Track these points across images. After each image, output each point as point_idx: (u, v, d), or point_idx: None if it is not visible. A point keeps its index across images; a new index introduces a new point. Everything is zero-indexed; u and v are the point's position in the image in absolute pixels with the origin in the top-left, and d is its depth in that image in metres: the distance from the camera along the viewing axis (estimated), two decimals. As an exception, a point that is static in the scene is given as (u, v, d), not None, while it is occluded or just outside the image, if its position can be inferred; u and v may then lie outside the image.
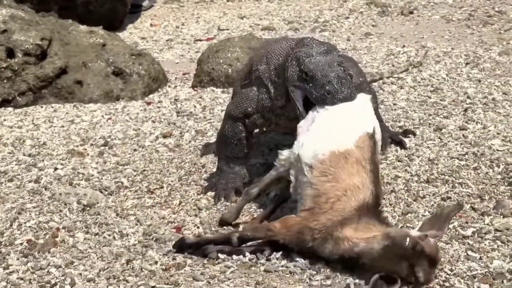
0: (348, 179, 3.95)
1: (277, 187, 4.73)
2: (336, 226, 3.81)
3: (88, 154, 5.80)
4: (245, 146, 5.01)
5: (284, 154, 4.34)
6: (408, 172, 5.10)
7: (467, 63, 7.61)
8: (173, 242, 4.31)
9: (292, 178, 4.24)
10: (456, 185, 4.88)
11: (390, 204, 4.69)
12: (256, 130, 5.24)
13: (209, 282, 3.84)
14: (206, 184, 5.11)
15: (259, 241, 4.12)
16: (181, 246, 4.18)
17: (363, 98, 4.41)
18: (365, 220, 3.81)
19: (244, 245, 4.12)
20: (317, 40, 4.72)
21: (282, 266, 3.97)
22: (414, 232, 3.66)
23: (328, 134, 4.17)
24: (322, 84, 4.30)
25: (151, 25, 10.44)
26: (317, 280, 3.85)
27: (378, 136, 4.31)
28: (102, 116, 6.69)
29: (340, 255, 3.82)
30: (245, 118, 4.94)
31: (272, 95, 4.80)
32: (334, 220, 3.83)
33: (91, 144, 6.00)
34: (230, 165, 5.05)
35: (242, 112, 4.93)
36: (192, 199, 4.95)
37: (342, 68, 4.37)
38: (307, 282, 3.85)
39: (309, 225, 3.90)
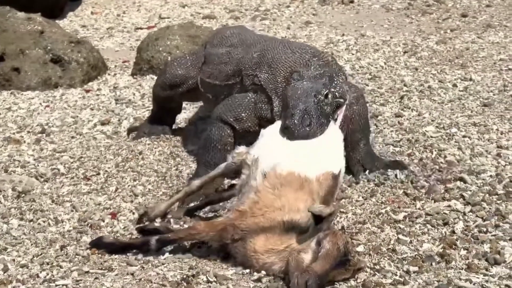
0: (292, 201, 3.86)
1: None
2: (254, 232, 3.77)
3: (24, 142, 5.77)
4: (228, 153, 4.70)
5: (240, 149, 4.34)
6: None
7: (405, 52, 7.71)
8: (108, 228, 4.33)
9: (243, 176, 4.21)
10: (389, 171, 4.94)
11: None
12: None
13: (143, 267, 3.85)
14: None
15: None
16: (98, 244, 4.12)
17: (337, 136, 4.35)
18: (283, 232, 3.72)
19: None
20: (325, 57, 4.74)
21: (212, 253, 3.99)
22: (307, 259, 3.56)
23: (295, 155, 4.10)
24: (287, 115, 4.28)
25: (92, 13, 10.38)
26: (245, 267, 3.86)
27: (341, 179, 4.25)
28: (40, 103, 6.66)
29: (250, 266, 3.79)
30: (235, 122, 4.83)
31: (274, 107, 4.70)
32: (259, 225, 3.78)
33: (28, 132, 5.97)
34: (208, 172, 4.69)
35: (234, 116, 4.83)
36: (129, 185, 4.95)
37: (317, 100, 4.32)
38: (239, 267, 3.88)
39: (234, 223, 3.85)
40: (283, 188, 3.91)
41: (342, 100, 4.48)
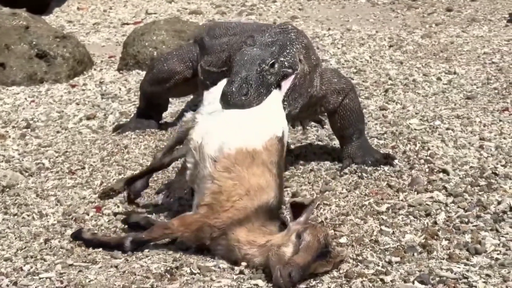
0: (252, 180, 3.88)
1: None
2: (234, 225, 3.79)
3: (9, 136, 5.78)
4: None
5: (188, 116, 4.35)
6: (327, 153, 5.19)
7: (390, 46, 7.74)
8: (93, 221, 4.35)
9: (189, 165, 4.14)
10: (380, 167, 4.96)
11: (309, 183, 4.76)
12: None
13: (127, 260, 3.86)
14: None
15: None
16: (77, 237, 4.11)
17: (275, 98, 4.32)
18: (262, 222, 3.78)
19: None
20: (285, 26, 4.65)
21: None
22: (288, 252, 3.59)
23: (237, 130, 4.07)
24: (228, 81, 4.24)
25: (78, 8, 10.36)
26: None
27: (286, 139, 4.26)
28: (25, 98, 6.66)
29: (232, 259, 3.82)
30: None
31: None
32: (234, 219, 3.79)
33: (13, 127, 5.98)
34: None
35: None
36: (114, 179, 4.95)
37: (260, 68, 4.26)
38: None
39: (209, 223, 3.85)
40: (237, 168, 3.91)
41: (290, 70, 4.41)
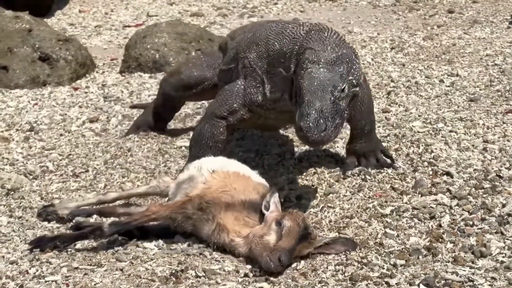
0: (243, 186, 4.07)
1: None
2: (220, 208, 3.93)
3: (13, 139, 5.78)
4: (219, 150, 4.70)
5: (166, 179, 4.56)
6: (331, 156, 5.20)
7: (392, 48, 7.75)
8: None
9: (184, 176, 4.36)
10: (384, 169, 4.98)
11: (313, 185, 4.76)
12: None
13: (132, 263, 3.86)
14: None
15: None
16: (40, 244, 4.03)
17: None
18: (247, 214, 3.94)
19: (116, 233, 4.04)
20: (327, 30, 4.35)
21: (200, 248, 4.01)
22: (272, 239, 3.75)
23: (237, 163, 4.37)
24: (303, 114, 3.98)
25: (79, 11, 10.37)
26: (232, 262, 3.90)
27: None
28: (28, 101, 6.67)
29: (218, 243, 3.95)
30: (229, 115, 4.62)
31: (266, 87, 4.52)
32: (221, 201, 3.95)
33: (17, 130, 5.98)
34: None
35: (227, 110, 4.61)
36: (117, 182, 4.97)
37: (333, 97, 4.01)
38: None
39: (199, 196, 4.00)
40: (230, 179, 4.12)
41: (357, 88, 4.21)
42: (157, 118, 5.78)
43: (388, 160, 4.94)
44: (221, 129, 4.67)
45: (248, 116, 4.66)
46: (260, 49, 4.60)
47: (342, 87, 4.07)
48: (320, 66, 4.13)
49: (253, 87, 4.59)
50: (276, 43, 4.50)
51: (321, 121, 3.93)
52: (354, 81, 4.15)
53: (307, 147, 5.27)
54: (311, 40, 4.30)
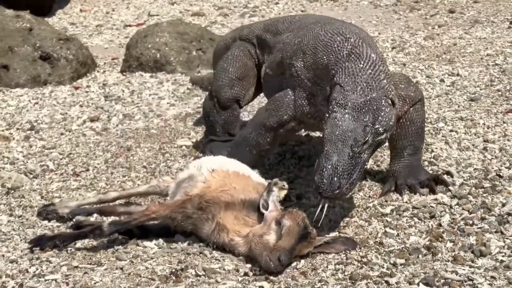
0: (243, 185, 4.07)
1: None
2: (220, 208, 3.94)
3: (13, 138, 5.79)
4: (261, 160, 4.61)
5: (166, 178, 4.59)
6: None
7: (393, 48, 7.75)
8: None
9: (184, 174, 4.35)
10: (375, 166, 4.99)
11: (308, 185, 4.74)
12: None
13: (132, 262, 3.86)
14: None
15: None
16: (39, 243, 4.02)
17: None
18: (246, 213, 3.94)
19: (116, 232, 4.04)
20: (365, 58, 4.15)
21: (200, 247, 4.01)
22: (272, 239, 3.75)
23: (238, 163, 4.35)
24: (319, 165, 3.90)
25: (80, 10, 10.38)
26: (232, 261, 3.91)
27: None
28: (29, 100, 6.67)
29: (218, 243, 3.96)
30: (279, 127, 4.49)
31: (316, 99, 4.34)
32: (220, 200, 3.96)
33: (17, 129, 5.99)
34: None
35: (277, 122, 4.47)
36: (118, 181, 4.97)
37: (352, 153, 3.88)
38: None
39: (198, 195, 4.00)
40: (230, 179, 4.12)
41: (384, 135, 4.04)
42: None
43: (426, 190, 4.56)
44: (268, 139, 4.55)
45: (299, 127, 4.58)
46: (307, 59, 4.42)
47: (365, 140, 3.93)
48: (346, 112, 3.98)
49: (304, 99, 4.42)
50: (324, 57, 4.30)
51: (335, 179, 3.84)
52: (380, 129, 3.99)
53: (307, 146, 5.28)
54: (345, 71, 4.13)
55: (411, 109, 4.53)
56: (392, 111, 4.07)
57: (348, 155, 3.88)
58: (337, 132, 3.93)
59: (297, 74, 4.44)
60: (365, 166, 4.04)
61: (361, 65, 4.12)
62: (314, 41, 4.42)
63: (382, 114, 3.99)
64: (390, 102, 4.08)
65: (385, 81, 4.12)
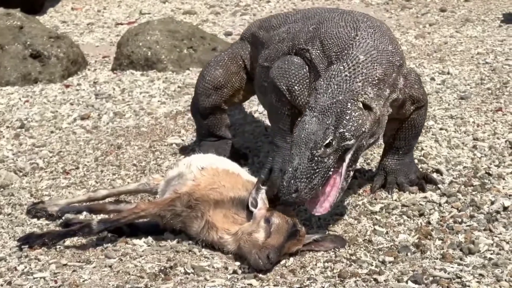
0: (232, 183, 4.09)
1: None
2: (209, 206, 3.95)
3: (3, 137, 5.78)
4: (295, 115, 4.29)
5: (156, 176, 4.64)
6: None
7: (384, 46, 7.73)
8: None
9: (173, 172, 4.37)
10: (365, 164, 5.00)
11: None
12: None
13: (121, 259, 3.86)
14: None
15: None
16: (28, 241, 4.02)
17: None
18: (235, 211, 3.96)
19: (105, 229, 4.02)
20: (352, 56, 4.03)
21: (189, 245, 4.02)
22: (261, 237, 3.77)
23: (228, 161, 4.43)
24: (283, 169, 3.98)
25: (72, 8, 10.36)
26: (221, 259, 3.91)
27: None
28: (19, 98, 6.66)
29: (207, 241, 3.97)
30: (287, 92, 4.30)
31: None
32: (210, 198, 3.97)
33: (7, 127, 5.98)
34: (286, 140, 4.34)
35: (286, 85, 4.28)
36: (108, 179, 4.97)
37: (311, 156, 3.77)
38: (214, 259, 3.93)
39: (187, 193, 4.00)
40: (219, 177, 4.13)
41: (353, 140, 3.85)
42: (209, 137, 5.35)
43: (415, 188, 4.57)
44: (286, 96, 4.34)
45: (304, 108, 4.28)
46: (324, 48, 4.27)
47: (324, 143, 3.79)
48: (314, 114, 3.88)
49: (312, 83, 4.26)
50: (335, 43, 4.21)
51: (292, 181, 3.78)
52: (346, 134, 3.81)
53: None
54: (326, 74, 4.05)
55: (415, 113, 4.47)
56: (363, 116, 3.89)
57: (308, 158, 3.78)
58: (302, 135, 3.85)
59: (310, 61, 4.30)
60: (331, 172, 3.84)
61: (341, 67, 4.02)
62: (335, 29, 4.27)
63: (348, 118, 3.83)
64: (360, 106, 3.90)
65: (359, 84, 3.96)
